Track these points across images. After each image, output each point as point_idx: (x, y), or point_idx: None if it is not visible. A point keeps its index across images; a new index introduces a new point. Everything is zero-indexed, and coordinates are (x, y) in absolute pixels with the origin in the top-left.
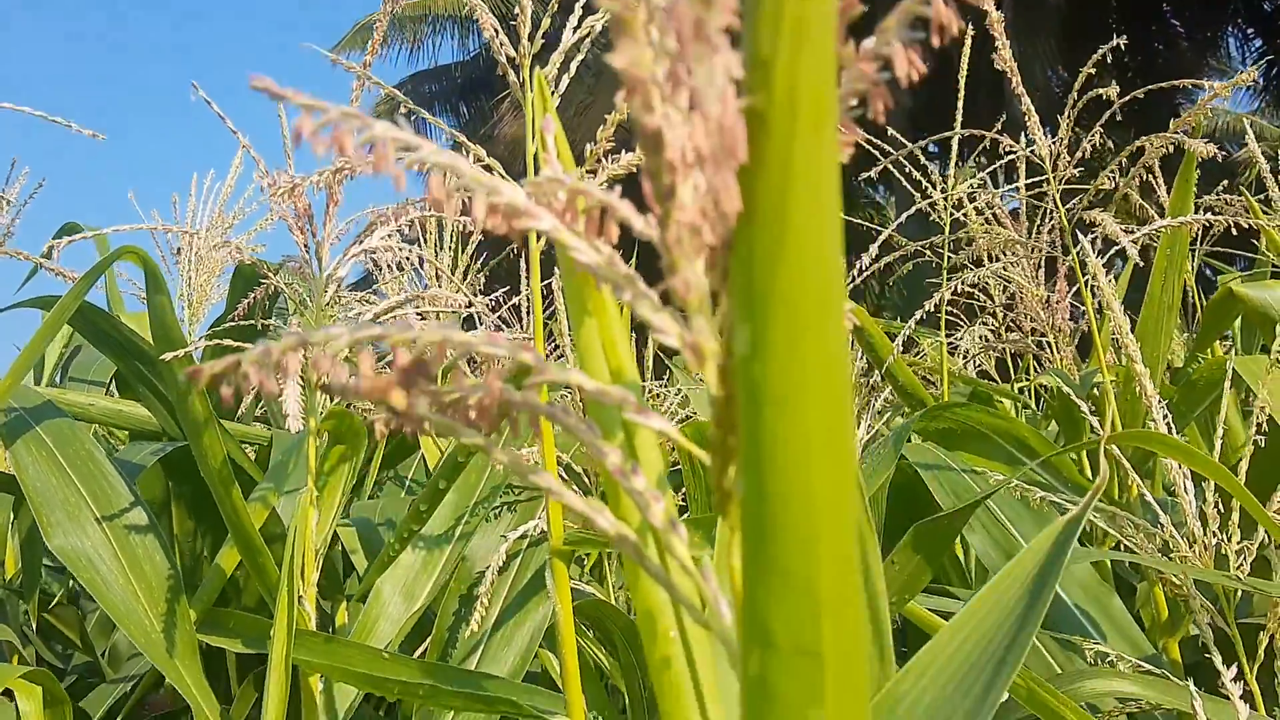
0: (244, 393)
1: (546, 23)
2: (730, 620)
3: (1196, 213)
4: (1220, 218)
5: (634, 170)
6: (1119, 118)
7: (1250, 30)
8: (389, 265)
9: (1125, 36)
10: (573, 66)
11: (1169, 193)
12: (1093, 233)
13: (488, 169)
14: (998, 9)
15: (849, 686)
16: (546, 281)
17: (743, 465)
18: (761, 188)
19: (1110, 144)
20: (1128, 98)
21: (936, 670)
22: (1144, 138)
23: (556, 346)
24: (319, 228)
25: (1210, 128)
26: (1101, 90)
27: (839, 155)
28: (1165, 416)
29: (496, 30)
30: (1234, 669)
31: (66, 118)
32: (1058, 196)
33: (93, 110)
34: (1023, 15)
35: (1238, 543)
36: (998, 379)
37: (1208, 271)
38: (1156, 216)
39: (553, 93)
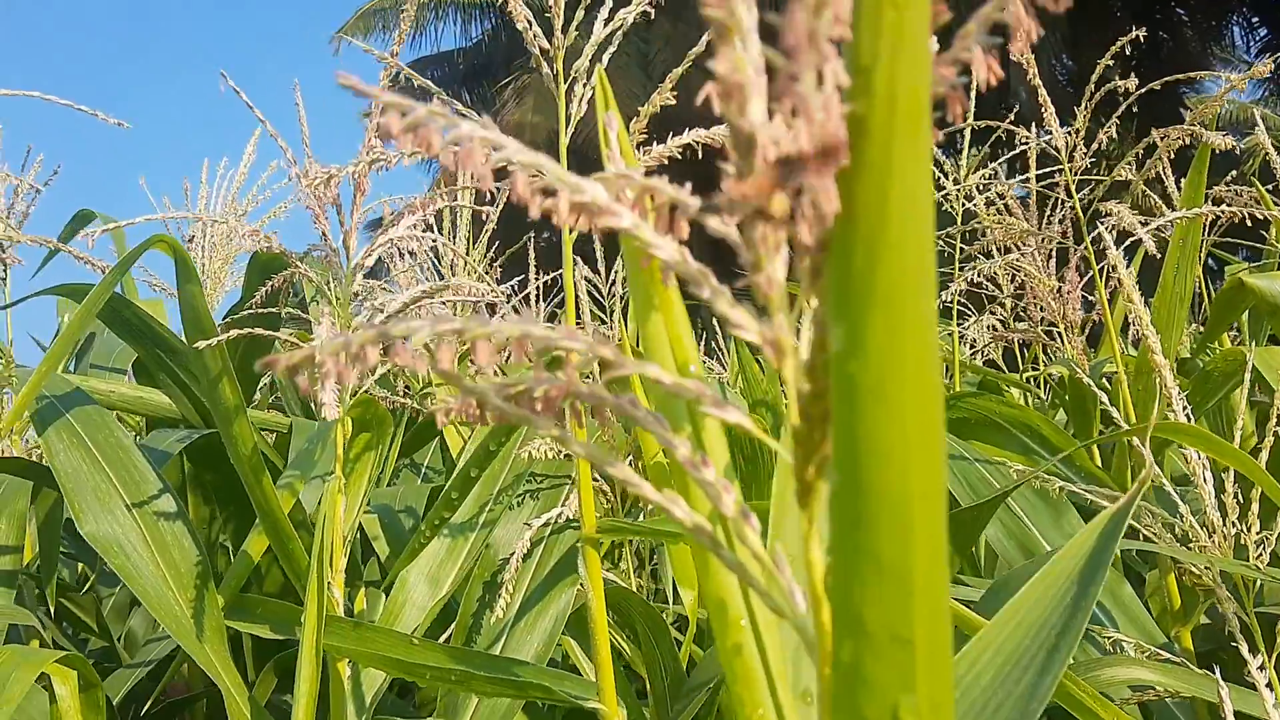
0: (317, 383)
1: (580, 15)
2: (805, 609)
3: (1206, 203)
4: (1233, 209)
5: (664, 162)
6: (1135, 109)
7: (1255, 19)
8: (401, 253)
9: (1135, 26)
10: (605, 58)
11: (1176, 183)
12: (1105, 222)
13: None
14: None
15: (938, 672)
16: (555, 273)
17: (837, 458)
18: (860, 189)
19: (1116, 133)
20: (1144, 89)
21: (990, 656)
22: (1159, 130)
23: None
24: (346, 217)
25: (1215, 115)
26: (1119, 83)
27: (931, 156)
28: (1185, 408)
29: (530, 22)
30: (1259, 659)
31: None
32: (1073, 186)
33: (94, 94)
34: (1028, 5)
35: (1257, 533)
36: (1004, 369)
37: (1211, 261)
38: (1163, 205)
39: (584, 84)
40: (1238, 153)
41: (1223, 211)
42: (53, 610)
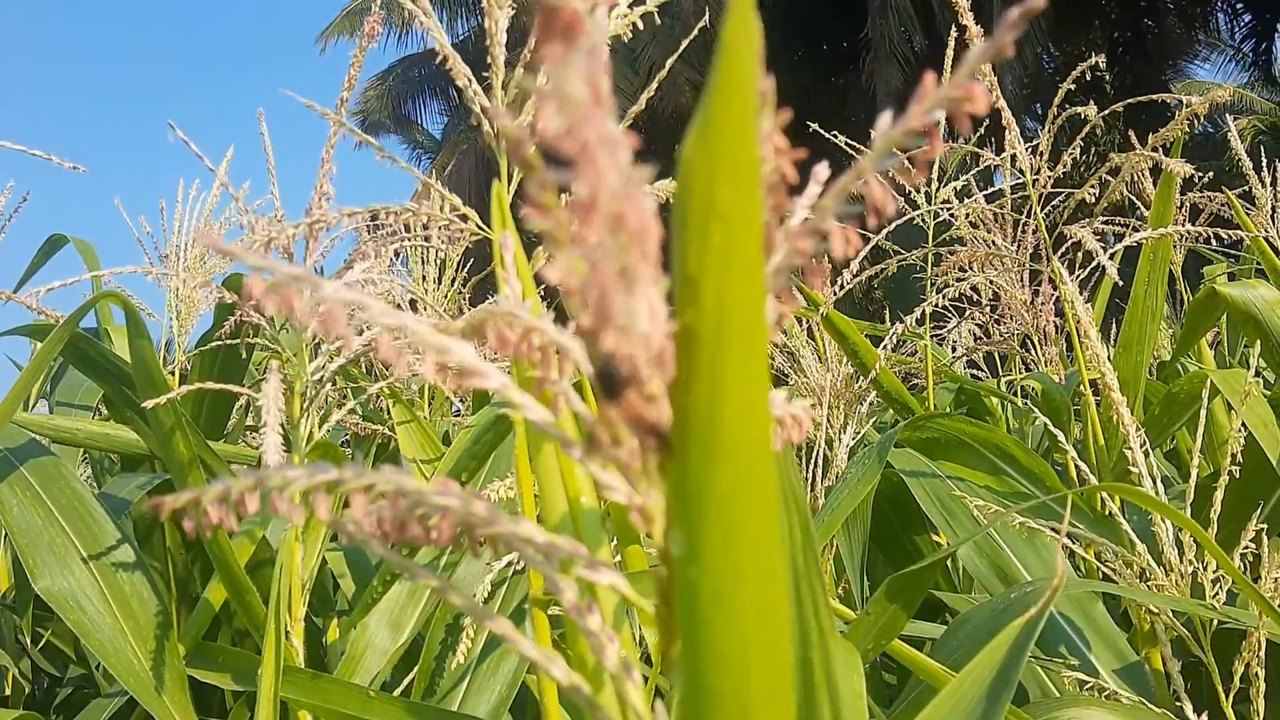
0: (202, 525)
1: (519, 74)
2: None
3: (1180, 208)
4: (1199, 229)
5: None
6: (1110, 90)
7: (1239, 5)
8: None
9: (1114, 22)
10: None
11: (1156, 178)
12: (1078, 238)
13: (463, 217)
14: None
15: None
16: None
17: (681, 657)
18: (693, 400)
19: (1100, 125)
20: (1106, 111)
21: None
22: (1120, 155)
23: None
24: (299, 264)
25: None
26: (1080, 110)
27: (768, 365)
28: (1143, 444)
29: (470, 80)
30: (1204, 717)
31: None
32: (1037, 207)
33: (72, 98)
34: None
35: (1214, 571)
36: (987, 371)
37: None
38: (1151, 193)
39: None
40: (1201, 167)
41: (1189, 232)
42: (29, 640)
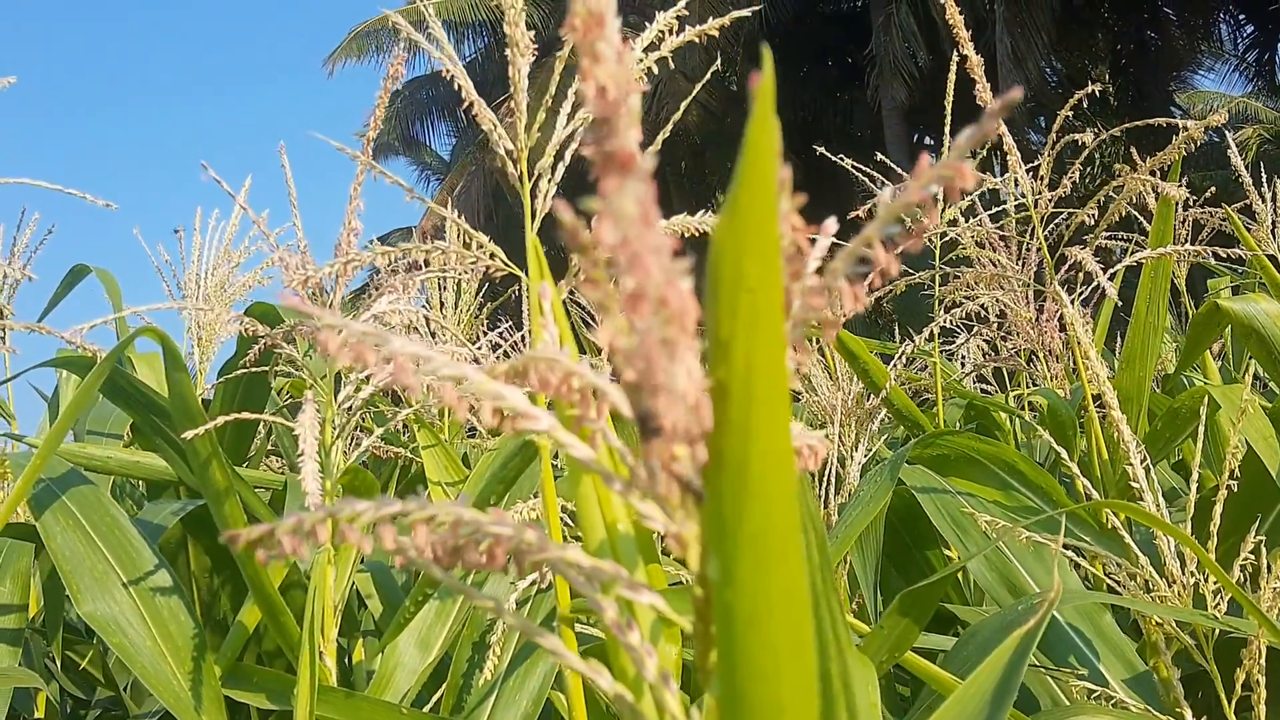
0: (275, 551)
1: (541, 116)
2: None
3: (1184, 223)
4: (1199, 249)
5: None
6: (1123, 104)
7: (1242, 16)
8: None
9: (1117, 34)
10: (567, 155)
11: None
12: (1078, 258)
13: (485, 250)
14: (992, 7)
15: None
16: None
17: (719, 671)
18: (726, 447)
19: (1106, 136)
20: (1102, 137)
21: None
22: (1122, 176)
23: None
24: (329, 299)
25: (1205, 112)
26: (1078, 136)
27: (790, 412)
28: (1143, 460)
29: (495, 124)
30: None
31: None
32: (1040, 230)
33: (87, 120)
34: (1017, 11)
35: (1214, 583)
36: (996, 386)
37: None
38: (1155, 207)
39: (548, 180)
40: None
41: (1188, 251)
42: (59, 663)
